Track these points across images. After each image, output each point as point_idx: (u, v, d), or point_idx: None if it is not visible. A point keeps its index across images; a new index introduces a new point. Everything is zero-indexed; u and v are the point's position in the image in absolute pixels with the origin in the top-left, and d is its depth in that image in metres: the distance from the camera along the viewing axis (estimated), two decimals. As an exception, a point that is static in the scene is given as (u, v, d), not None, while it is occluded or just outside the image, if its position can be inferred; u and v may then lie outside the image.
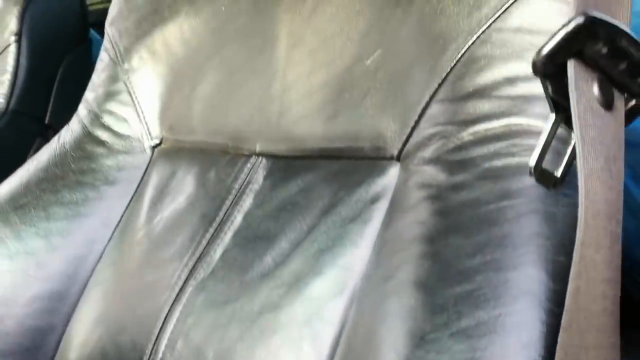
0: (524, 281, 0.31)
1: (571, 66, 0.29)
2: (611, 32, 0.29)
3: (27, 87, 0.99)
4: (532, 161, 0.31)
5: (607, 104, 0.30)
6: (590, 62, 0.30)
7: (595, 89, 0.30)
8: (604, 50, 0.29)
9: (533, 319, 0.30)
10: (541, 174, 0.31)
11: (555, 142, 0.32)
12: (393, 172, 0.45)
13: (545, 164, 0.32)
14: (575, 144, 0.30)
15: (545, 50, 0.29)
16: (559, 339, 0.27)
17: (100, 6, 1.29)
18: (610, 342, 0.28)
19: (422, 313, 0.34)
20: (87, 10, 1.13)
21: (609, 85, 0.31)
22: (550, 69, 0.29)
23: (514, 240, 0.33)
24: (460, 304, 0.32)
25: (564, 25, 0.29)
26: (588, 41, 0.29)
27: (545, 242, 0.32)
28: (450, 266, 0.34)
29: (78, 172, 0.65)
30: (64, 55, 1.05)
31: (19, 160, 1.01)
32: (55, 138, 0.70)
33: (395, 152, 0.45)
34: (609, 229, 0.29)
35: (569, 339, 0.27)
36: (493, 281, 0.32)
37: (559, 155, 0.33)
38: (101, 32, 1.21)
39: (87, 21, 1.10)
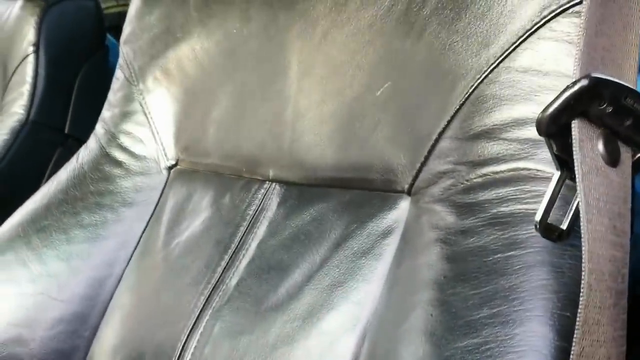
0: (530, 337, 0.31)
1: (575, 127, 0.29)
2: (616, 92, 0.29)
3: (46, 97, 1.01)
4: (538, 216, 0.31)
5: (613, 160, 0.30)
6: (595, 120, 0.30)
7: (600, 146, 0.30)
8: (609, 109, 0.29)
9: (539, 377, 0.30)
10: (547, 229, 0.31)
11: (562, 191, 0.32)
12: (404, 206, 0.46)
13: (552, 214, 0.32)
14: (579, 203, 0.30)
15: (549, 111, 0.29)
16: None
17: (116, 9, 1.30)
18: None
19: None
20: (104, 16, 1.14)
21: (615, 140, 0.30)
22: (555, 129, 0.29)
23: (521, 293, 0.33)
24: (467, 358, 0.32)
25: (568, 87, 0.29)
26: (592, 102, 0.29)
27: (552, 296, 0.32)
28: (458, 317, 0.34)
29: (97, 194, 0.66)
30: (81, 63, 1.06)
31: (41, 171, 1.04)
32: (74, 158, 0.72)
33: (406, 186, 0.45)
34: (614, 289, 0.29)
35: None
36: (500, 336, 0.32)
37: (566, 204, 0.33)
38: (117, 36, 1.22)
39: (104, 28, 1.11)
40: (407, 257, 0.42)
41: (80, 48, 1.06)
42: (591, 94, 0.29)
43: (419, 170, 0.44)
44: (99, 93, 1.09)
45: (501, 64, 0.40)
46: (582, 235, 0.28)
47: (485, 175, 0.39)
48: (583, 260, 0.28)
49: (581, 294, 0.28)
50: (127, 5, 1.29)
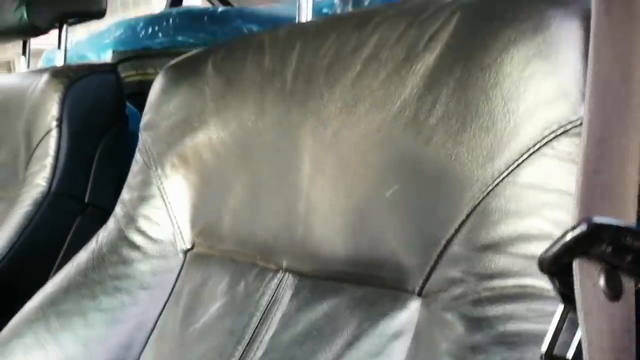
0: None
1: (576, 266, 0.30)
2: (616, 234, 0.30)
3: (68, 169, 1.04)
4: (543, 348, 0.32)
5: (616, 293, 0.31)
6: (595, 259, 0.31)
7: (602, 282, 0.31)
8: (609, 249, 0.30)
9: None
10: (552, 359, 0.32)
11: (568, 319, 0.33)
12: (415, 307, 0.47)
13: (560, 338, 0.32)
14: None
15: (550, 253, 0.30)
16: None
17: (136, 78, 1.34)
18: None
19: None
20: (124, 88, 1.18)
21: (616, 274, 0.31)
22: (556, 268, 0.30)
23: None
24: None
25: (567, 231, 0.30)
26: (592, 244, 0.30)
27: None
28: None
29: (115, 278, 0.68)
30: (102, 134, 1.10)
31: (62, 239, 1.06)
32: (94, 239, 0.74)
33: (417, 288, 0.46)
34: None
35: None
36: None
37: (571, 332, 0.33)
38: (136, 104, 1.26)
39: (124, 100, 1.15)
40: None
41: (102, 120, 1.10)
42: (591, 238, 0.30)
43: (429, 274, 0.45)
44: (119, 162, 1.12)
45: (506, 179, 0.41)
46: None
47: (493, 289, 0.40)
48: None
49: None
50: (146, 74, 1.35)
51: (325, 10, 1.05)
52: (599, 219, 0.30)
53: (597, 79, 0.33)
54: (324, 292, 0.53)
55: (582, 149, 0.33)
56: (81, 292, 0.68)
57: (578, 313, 0.29)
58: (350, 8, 0.96)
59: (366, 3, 0.90)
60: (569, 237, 0.29)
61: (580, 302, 0.29)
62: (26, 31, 1.17)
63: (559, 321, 0.32)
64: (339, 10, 1.00)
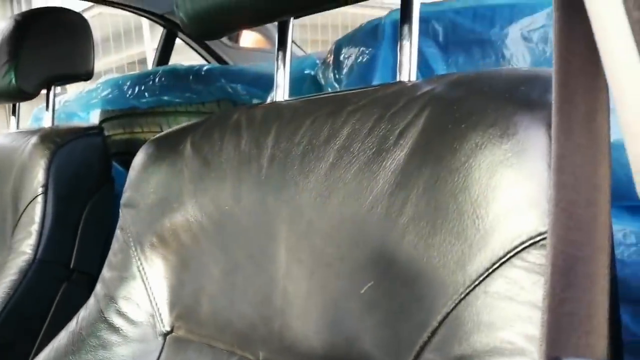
0: None
1: None
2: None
3: (54, 235, 1.04)
4: None
5: None
6: None
7: None
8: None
9: None
10: None
11: None
12: (390, 410, 0.46)
13: None
14: None
15: None
16: None
17: (123, 136, 1.34)
18: None
19: None
20: (111, 148, 1.18)
21: None
22: None
23: None
24: None
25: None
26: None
27: None
28: None
29: (94, 364, 0.67)
30: (88, 198, 1.09)
31: (47, 307, 1.05)
32: (74, 319, 0.73)
33: (392, 391, 0.46)
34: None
35: None
36: None
37: None
38: (124, 162, 1.26)
39: (110, 162, 1.15)
40: None
41: (88, 184, 1.10)
42: None
43: None
44: (105, 225, 1.12)
45: (477, 288, 0.41)
46: None
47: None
48: None
49: None
50: (133, 132, 1.35)
51: (307, 71, 1.05)
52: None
53: (560, 204, 0.33)
54: (302, 388, 0.52)
55: (547, 277, 0.32)
56: (60, 379, 0.67)
57: None
58: (331, 74, 0.96)
59: (344, 70, 0.91)
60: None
61: None
62: (14, 95, 1.17)
63: None
64: (320, 74, 1.01)
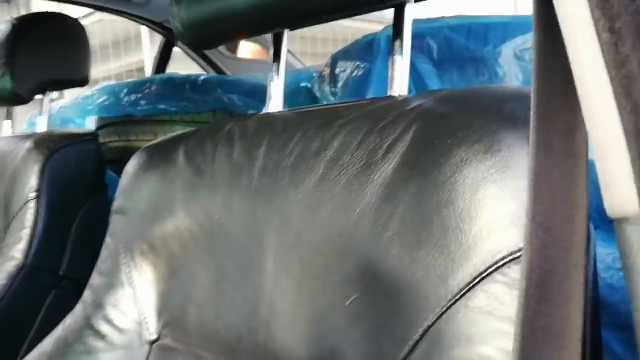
0: None
1: None
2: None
3: (44, 241, 1.03)
4: None
5: None
6: None
7: None
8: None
9: None
10: None
11: None
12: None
13: None
14: None
15: None
16: None
17: (118, 144, 1.35)
18: None
19: None
20: (105, 155, 1.18)
21: None
22: None
23: None
24: None
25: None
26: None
27: None
28: None
29: (78, 369, 0.66)
30: (81, 205, 1.09)
31: (35, 313, 1.04)
32: (60, 325, 0.72)
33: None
34: None
35: None
36: None
37: None
38: (118, 170, 1.26)
39: (104, 169, 1.15)
40: None
41: (81, 191, 1.10)
42: None
43: None
44: (96, 232, 1.11)
45: (458, 302, 0.41)
46: None
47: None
48: None
49: None
50: (128, 140, 1.35)
51: (303, 84, 1.06)
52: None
53: (537, 219, 0.33)
54: (286, 400, 0.52)
55: (522, 291, 0.32)
56: (44, 384, 0.66)
57: None
58: (327, 87, 0.97)
59: (340, 84, 0.92)
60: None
61: None
62: (9, 99, 1.17)
63: None
64: (316, 87, 1.02)
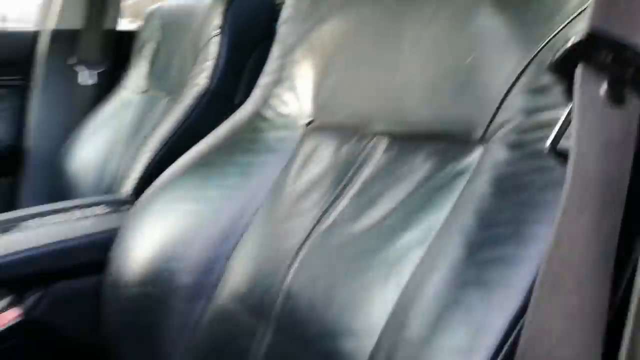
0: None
1: (579, 68, 0.37)
2: (613, 45, 0.36)
3: (225, 72, 1.22)
4: (547, 142, 0.40)
5: (617, 99, 0.37)
6: (598, 67, 0.37)
7: (603, 88, 0.37)
8: (609, 59, 0.37)
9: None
10: (555, 153, 0.39)
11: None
12: (477, 152, 0.56)
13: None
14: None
15: (557, 56, 0.37)
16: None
17: (289, 4, 1.48)
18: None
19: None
20: (277, 9, 1.32)
21: (620, 85, 0.38)
22: (564, 70, 0.38)
23: (535, 202, 0.42)
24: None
25: (576, 37, 0.37)
26: (592, 52, 0.37)
27: (555, 207, 0.40)
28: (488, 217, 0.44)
29: (248, 141, 0.82)
30: (254, 47, 1.26)
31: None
32: (231, 117, 0.89)
33: (479, 137, 0.55)
34: (598, 197, 0.36)
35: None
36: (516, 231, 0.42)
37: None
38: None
39: (276, 18, 1.30)
40: (467, 190, 0.52)
41: (255, 35, 1.26)
42: (590, 45, 0.36)
43: (489, 123, 0.54)
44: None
45: (559, 33, 0.48)
46: (570, 155, 0.36)
47: (533, 121, 0.48)
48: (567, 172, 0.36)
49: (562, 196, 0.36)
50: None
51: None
52: (601, 31, 0.36)
53: None
54: (408, 150, 0.63)
55: None
56: (221, 151, 0.83)
57: (573, 109, 0.37)
58: None
59: None
60: (571, 42, 0.37)
61: (577, 99, 0.37)
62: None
63: (565, 118, 0.39)
64: None
